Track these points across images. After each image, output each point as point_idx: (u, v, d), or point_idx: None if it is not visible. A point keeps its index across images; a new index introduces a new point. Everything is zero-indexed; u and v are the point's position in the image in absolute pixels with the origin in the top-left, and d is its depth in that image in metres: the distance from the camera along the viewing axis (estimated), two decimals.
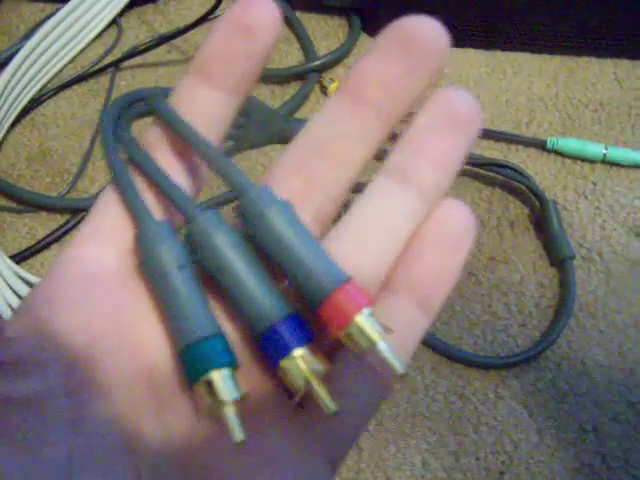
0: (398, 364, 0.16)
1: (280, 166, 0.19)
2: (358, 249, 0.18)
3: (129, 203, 0.17)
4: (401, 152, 0.18)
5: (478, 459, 0.34)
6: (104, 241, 0.17)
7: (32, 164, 0.45)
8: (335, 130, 0.18)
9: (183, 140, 0.18)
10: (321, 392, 0.16)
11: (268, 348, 0.16)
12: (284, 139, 0.44)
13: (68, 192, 0.44)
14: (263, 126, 0.44)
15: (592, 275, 0.39)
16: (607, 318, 0.38)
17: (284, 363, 0.16)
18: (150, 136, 0.19)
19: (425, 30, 0.18)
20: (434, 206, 0.18)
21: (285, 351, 0.16)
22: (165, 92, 0.19)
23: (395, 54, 0.18)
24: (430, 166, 0.18)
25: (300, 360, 0.16)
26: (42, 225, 0.43)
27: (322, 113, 0.19)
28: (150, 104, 0.19)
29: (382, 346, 0.16)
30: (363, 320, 0.16)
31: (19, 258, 0.41)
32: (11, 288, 0.38)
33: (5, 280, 0.38)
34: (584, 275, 0.39)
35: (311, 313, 0.16)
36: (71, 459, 0.15)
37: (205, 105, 0.18)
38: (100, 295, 0.17)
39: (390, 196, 0.18)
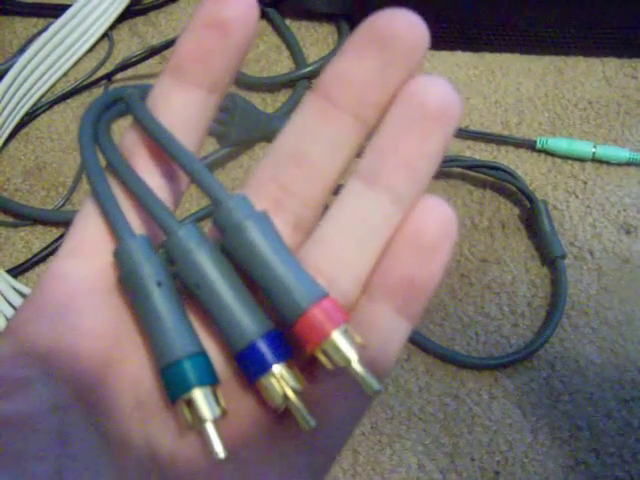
0: (373, 382, 0.16)
1: (257, 173, 0.18)
2: (334, 259, 0.17)
3: (107, 217, 0.17)
4: (372, 153, 0.18)
5: (473, 459, 0.35)
6: (85, 256, 0.17)
7: (28, 178, 0.45)
8: (309, 135, 0.18)
9: (158, 145, 0.17)
10: (299, 408, 0.16)
11: (246, 365, 0.16)
12: (268, 137, 0.44)
13: (63, 205, 0.44)
14: (246, 123, 0.43)
15: (584, 273, 0.40)
16: (599, 316, 0.38)
17: (262, 380, 0.16)
18: (128, 141, 0.18)
19: (400, 24, 0.17)
20: (410, 208, 0.18)
21: (263, 368, 0.16)
22: (147, 89, 0.18)
23: (369, 51, 0.17)
24: (402, 168, 0.17)
25: (278, 377, 0.16)
26: (38, 238, 0.43)
27: (297, 117, 0.18)
28: (127, 106, 0.18)
29: (357, 365, 0.16)
30: (338, 339, 0.16)
31: (16, 272, 0.41)
32: (9, 302, 0.39)
33: (2, 294, 0.39)
34: (576, 274, 0.40)
35: (287, 329, 0.16)
36: (59, 473, 0.15)
37: (182, 105, 0.18)
38: (83, 311, 0.17)
39: (363, 202, 0.17)
